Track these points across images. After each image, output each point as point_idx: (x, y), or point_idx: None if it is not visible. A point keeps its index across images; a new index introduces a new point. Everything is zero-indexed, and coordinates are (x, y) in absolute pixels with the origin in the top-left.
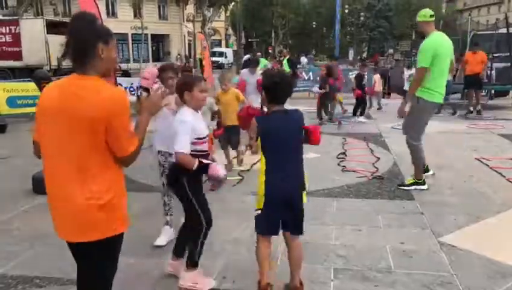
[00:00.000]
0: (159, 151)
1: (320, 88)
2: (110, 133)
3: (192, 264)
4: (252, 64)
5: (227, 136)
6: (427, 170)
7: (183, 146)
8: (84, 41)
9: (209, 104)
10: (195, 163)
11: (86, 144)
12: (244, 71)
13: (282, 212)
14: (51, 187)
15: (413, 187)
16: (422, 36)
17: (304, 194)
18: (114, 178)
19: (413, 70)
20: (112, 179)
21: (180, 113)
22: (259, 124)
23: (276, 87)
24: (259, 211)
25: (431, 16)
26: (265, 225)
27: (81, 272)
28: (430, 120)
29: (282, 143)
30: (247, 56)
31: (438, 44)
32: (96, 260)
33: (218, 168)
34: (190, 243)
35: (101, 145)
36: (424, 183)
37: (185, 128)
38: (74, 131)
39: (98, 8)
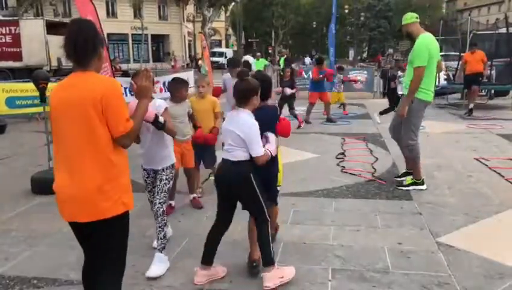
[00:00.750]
0: (144, 169)
1: (292, 88)
2: (107, 114)
3: (271, 262)
4: (230, 64)
5: (199, 153)
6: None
7: (261, 149)
8: (93, 43)
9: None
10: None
11: (93, 128)
12: (227, 75)
13: None
14: (63, 171)
15: (411, 187)
16: (409, 39)
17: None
18: (120, 159)
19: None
20: (118, 160)
21: (247, 117)
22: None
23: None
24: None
25: (416, 17)
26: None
27: (90, 261)
28: (429, 120)
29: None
30: (246, 56)
31: (430, 44)
32: (107, 239)
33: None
34: (262, 242)
35: (103, 130)
36: (422, 183)
37: (256, 130)
38: (78, 118)
39: (94, 7)
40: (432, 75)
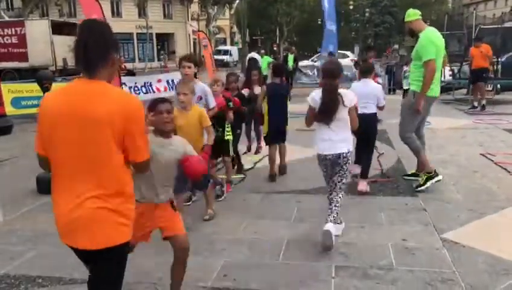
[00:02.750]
0: None
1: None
2: (127, 137)
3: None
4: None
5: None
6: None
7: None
8: (104, 47)
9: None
10: None
11: (101, 148)
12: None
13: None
14: (61, 194)
15: (429, 183)
16: (411, 36)
17: None
18: (126, 184)
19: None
20: (124, 186)
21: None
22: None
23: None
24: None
25: (420, 14)
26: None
27: (94, 277)
28: (435, 116)
29: None
30: (251, 54)
31: (435, 37)
32: (107, 267)
33: None
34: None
35: (116, 149)
36: (437, 175)
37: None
38: (88, 135)
39: (100, 6)
40: (437, 70)
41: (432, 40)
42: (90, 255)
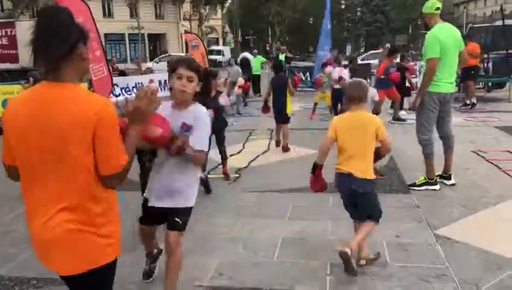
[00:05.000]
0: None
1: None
2: (97, 147)
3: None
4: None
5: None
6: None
7: None
8: (64, 40)
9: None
10: None
11: (73, 162)
12: None
13: None
14: (34, 215)
15: (424, 187)
16: (427, 28)
17: None
18: (108, 202)
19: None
20: (105, 203)
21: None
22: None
23: None
24: None
25: (437, 8)
26: None
27: None
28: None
29: None
30: (244, 54)
31: (443, 34)
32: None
33: None
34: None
35: (90, 163)
36: (436, 183)
37: None
38: (50, 146)
39: (86, 5)
40: (445, 66)
41: (437, 38)
42: (69, 281)
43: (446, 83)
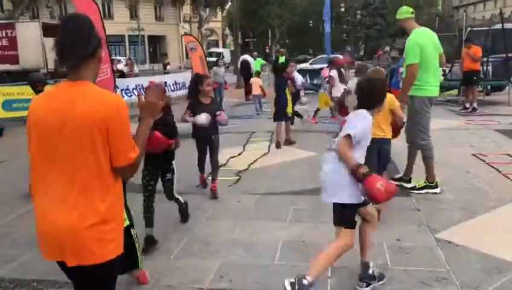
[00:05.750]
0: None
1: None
2: (110, 140)
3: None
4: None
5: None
6: (409, 181)
7: None
8: (88, 43)
9: None
10: None
11: (88, 157)
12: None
13: None
14: (45, 206)
15: (424, 191)
16: (405, 34)
17: None
18: (115, 200)
19: None
20: (113, 201)
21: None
22: None
23: None
24: None
25: (412, 12)
26: None
27: None
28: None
29: None
30: (244, 56)
31: (422, 38)
32: (95, 284)
33: None
34: None
35: (105, 159)
36: (436, 186)
37: None
38: (80, 140)
39: (97, 6)
40: (429, 70)
41: (417, 43)
42: (74, 271)
43: (434, 86)
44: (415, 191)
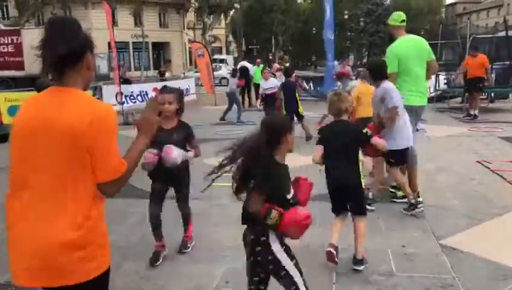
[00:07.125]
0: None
1: None
2: (95, 153)
3: None
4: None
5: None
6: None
7: None
8: (73, 48)
9: None
10: None
11: (63, 165)
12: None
13: None
14: (20, 221)
15: (406, 200)
16: (391, 39)
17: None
18: (97, 212)
19: None
20: (95, 213)
21: None
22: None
23: None
24: None
25: (402, 20)
26: None
27: None
28: (430, 124)
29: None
30: (242, 63)
31: (400, 47)
32: None
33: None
34: None
35: (88, 172)
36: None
37: None
38: (54, 151)
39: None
40: (412, 78)
41: (394, 53)
42: None
43: (416, 95)
44: (396, 200)
